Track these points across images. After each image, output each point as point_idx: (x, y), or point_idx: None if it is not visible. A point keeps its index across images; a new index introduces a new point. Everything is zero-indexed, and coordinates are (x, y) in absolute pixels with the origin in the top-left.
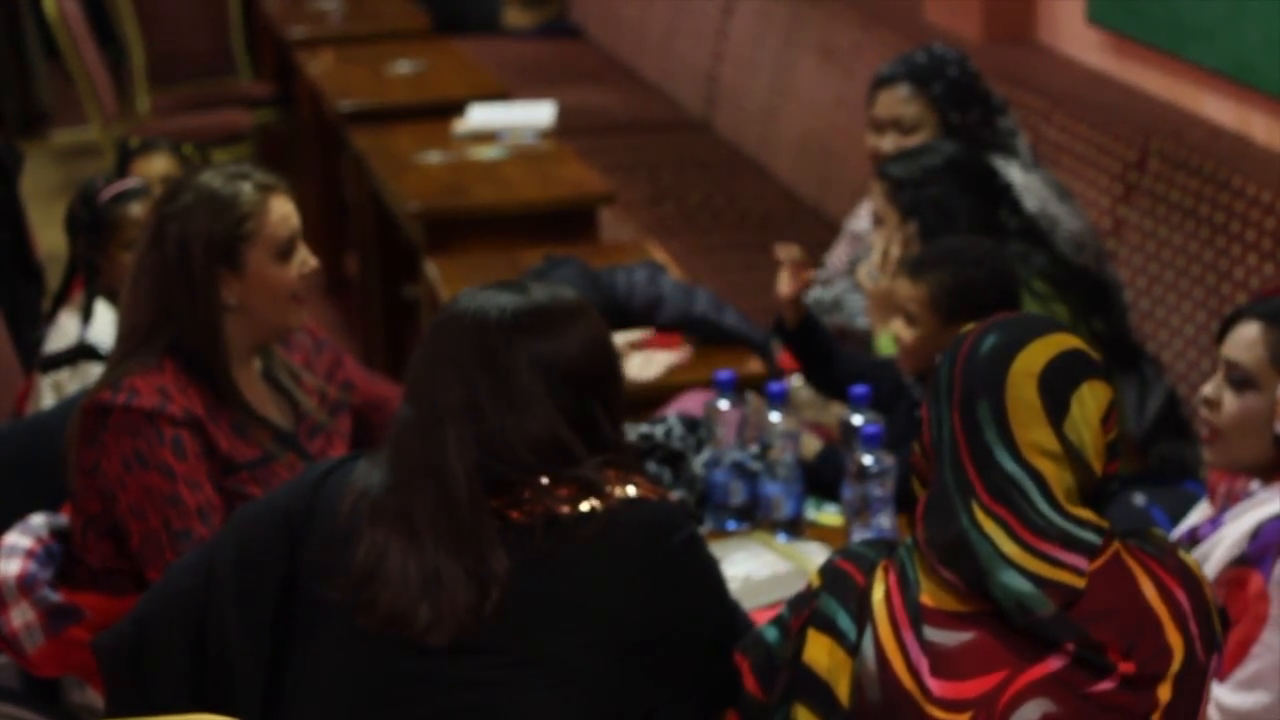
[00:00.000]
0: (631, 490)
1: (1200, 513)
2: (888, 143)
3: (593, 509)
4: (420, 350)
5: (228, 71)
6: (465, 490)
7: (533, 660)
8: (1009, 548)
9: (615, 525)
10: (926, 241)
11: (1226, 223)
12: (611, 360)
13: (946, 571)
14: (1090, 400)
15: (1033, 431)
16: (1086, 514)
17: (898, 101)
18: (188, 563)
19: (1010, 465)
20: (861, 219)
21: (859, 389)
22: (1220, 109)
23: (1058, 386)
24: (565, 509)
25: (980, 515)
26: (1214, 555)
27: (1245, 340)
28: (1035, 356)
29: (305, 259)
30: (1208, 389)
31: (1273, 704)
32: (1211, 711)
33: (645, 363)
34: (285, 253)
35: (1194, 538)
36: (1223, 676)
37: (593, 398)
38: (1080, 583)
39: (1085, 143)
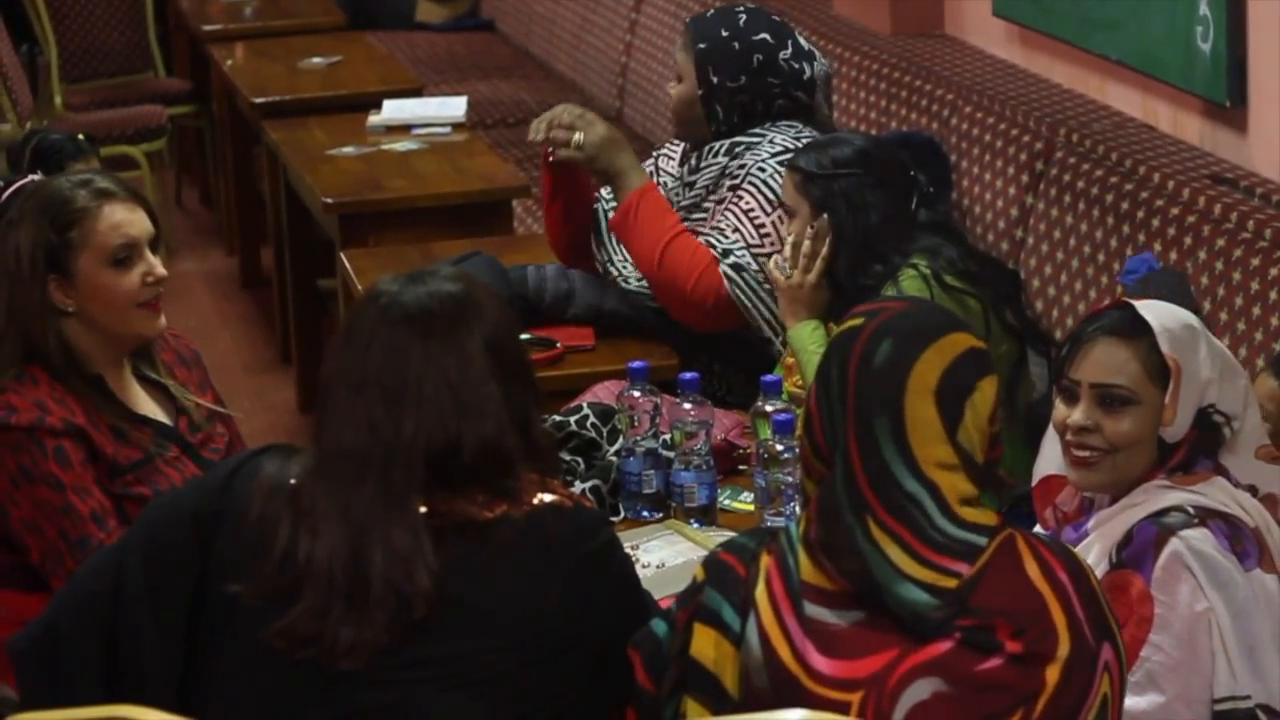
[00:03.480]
0: (548, 497)
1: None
2: (670, 86)
3: (508, 515)
4: (356, 338)
5: (142, 67)
6: (406, 484)
7: (443, 661)
8: (906, 564)
9: (533, 533)
10: (839, 235)
11: (1132, 211)
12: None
13: (840, 576)
14: (981, 403)
15: (931, 448)
16: (978, 516)
17: (677, 48)
18: (97, 565)
19: (910, 484)
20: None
21: (770, 378)
22: (1125, 99)
23: (954, 398)
24: (484, 514)
25: (876, 532)
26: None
27: (1112, 362)
28: (931, 368)
29: (150, 268)
30: (1077, 417)
31: (1165, 704)
32: None
33: None
34: (120, 261)
35: None
36: None
37: (527, 379)
38: (958, 582)
39: (992, 133)
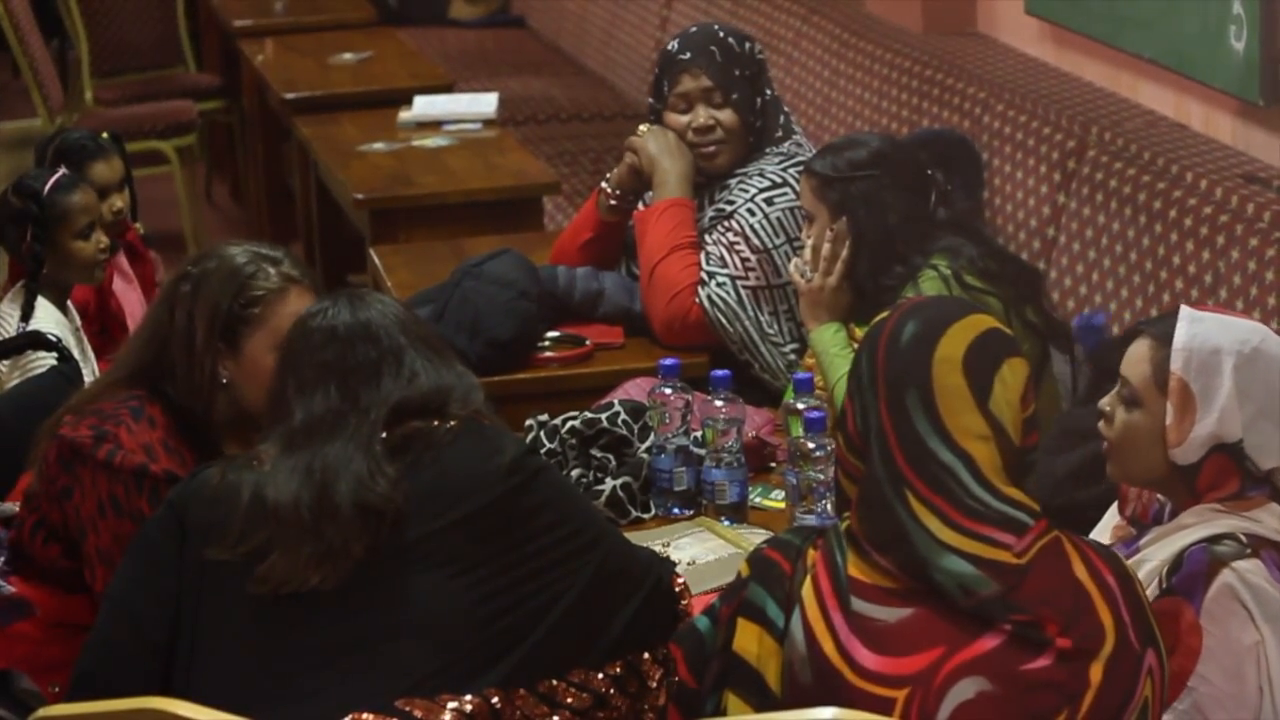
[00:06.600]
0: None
1: (1110, 517)
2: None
3: (447, 423)
4: (310, 356)
5: (173, 62)
6: (372, 431)
7: (411, 547)
8: (946, 534)
9: (473, 426)
10: (858, 237)
11: (1164, 210)
12: None
13: (885, 559)
14: (1010, 378)
15: (962, 417)
16: (1018, 495)
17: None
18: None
19: (945, 454)
20: None
21: (802, 376)
22: (1157, 98)
23: (981, 369)
24: (429, 423)
25: (916, 505)
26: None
27: (1134, 357)
28: (956, 341)
29: None
30: (1104, 401)
31: None
32: None
33: None
34: None
35: None
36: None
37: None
38: (1015, 560)
39: (1024, 131)
